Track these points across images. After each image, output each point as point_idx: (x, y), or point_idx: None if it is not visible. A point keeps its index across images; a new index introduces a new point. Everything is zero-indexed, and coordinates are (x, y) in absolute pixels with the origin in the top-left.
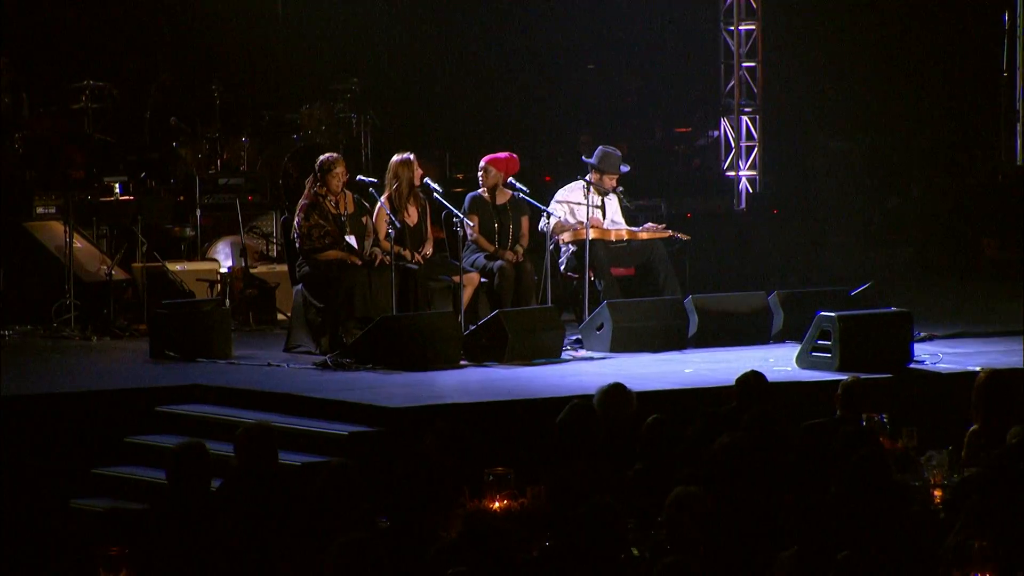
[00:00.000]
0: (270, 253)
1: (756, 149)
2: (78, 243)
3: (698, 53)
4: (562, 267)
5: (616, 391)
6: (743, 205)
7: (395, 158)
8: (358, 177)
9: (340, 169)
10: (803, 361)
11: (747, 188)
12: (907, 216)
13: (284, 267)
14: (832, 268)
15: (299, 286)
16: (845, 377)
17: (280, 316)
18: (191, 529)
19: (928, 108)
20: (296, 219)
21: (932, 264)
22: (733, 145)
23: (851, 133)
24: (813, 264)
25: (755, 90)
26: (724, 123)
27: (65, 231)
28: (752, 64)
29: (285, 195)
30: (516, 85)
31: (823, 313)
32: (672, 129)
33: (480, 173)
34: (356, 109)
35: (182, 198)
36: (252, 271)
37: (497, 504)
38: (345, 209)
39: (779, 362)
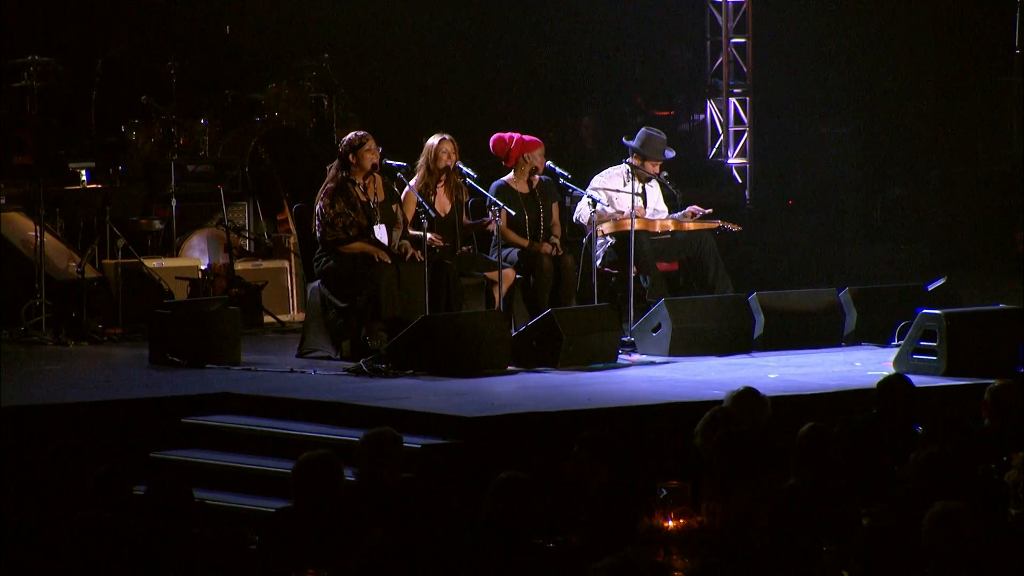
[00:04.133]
0: (246, 248)
1: (746, 134)
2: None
3: (682, 28)
4: (598, 261)
5: (750, 396)
6: (747, 198)
7: (430, 139)
8: (384, 161)
9: (371, 144)
10: (902, 364)
11: (736, 177)
12: (917, 207)
13: (269, 264)
14: (846, 264)
15: (316, 283)
16: (950, 382)
17: (268, 318)
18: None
19: (934, 89)
20: (318, 205)
21: (957, 260)
22: (721, 130)
23: (849, 116)
24: (832, 259)
25: (745, 69)
26: (711, 106)
27: (36, 226)
28: (742, 40)
29: (255, 183)
30: (506, 61)
31: (927, 311)
32: (652, 112)
33: (525, 159)
34: (327, 88)
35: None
36: (235, 268)
37: (671, 522)
38: (375, 195)
39: (867, 366)
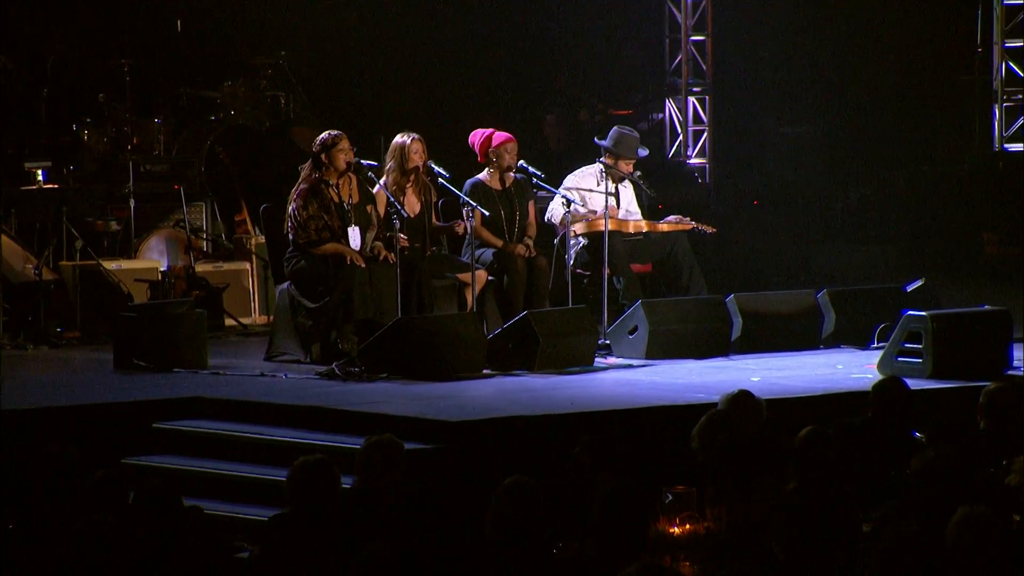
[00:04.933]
0: (205, 249)
1: (706, 134)
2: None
3: (640, 25)
4: (570, 262)
5: (745, 399)
6: (710, 195)
7: (399, 139)
8: (358, 160)
9: (345, 144)
10: (887, 367)
11: (697, 178)
12: (881, 208)
13: (230, 266)
14: (813, 265)
15: (285, 285)
16: (935, 384)
17: (229, 321)
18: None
19: (896, 88)
20: (291, 206)
21: (924, 261)
22: (680, 130)
23: (811, 116)
24: (798, 261)
25: (704, 67)
26: (669, 104)
27: None
28: (701, 38)
29: (212, 183)
30: (464, 60)
31: (912, 312)
32: (609, 111)
33: (494, 157)
34: (283, 86)
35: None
36: (196, 270)
37: (677, 529)
38: (350, 198)
39: (849, 368)
